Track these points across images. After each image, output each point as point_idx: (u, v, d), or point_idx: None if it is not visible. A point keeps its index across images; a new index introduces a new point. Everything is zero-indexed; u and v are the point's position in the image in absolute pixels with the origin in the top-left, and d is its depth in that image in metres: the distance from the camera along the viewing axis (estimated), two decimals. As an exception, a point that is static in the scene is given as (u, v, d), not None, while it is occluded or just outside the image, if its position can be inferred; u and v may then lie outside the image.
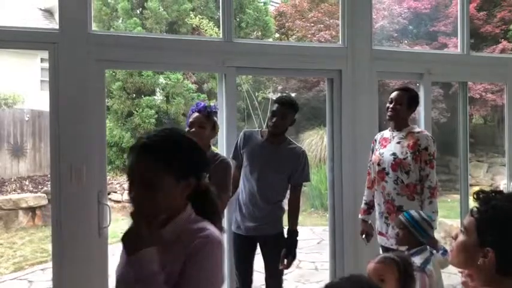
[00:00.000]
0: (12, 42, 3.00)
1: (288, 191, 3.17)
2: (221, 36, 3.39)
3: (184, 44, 3.43)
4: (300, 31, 10.93)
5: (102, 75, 3.11)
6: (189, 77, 10.06)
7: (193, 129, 2.76)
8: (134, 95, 9.81)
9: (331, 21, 10.37)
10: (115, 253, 1.74)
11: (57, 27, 2.99)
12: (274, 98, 3.37)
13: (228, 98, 3.36)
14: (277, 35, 11.11)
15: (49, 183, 7.61)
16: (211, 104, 2.91)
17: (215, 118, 2.87)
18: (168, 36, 5.37)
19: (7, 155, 9.08)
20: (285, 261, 3.06)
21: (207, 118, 2.80)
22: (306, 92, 10.89)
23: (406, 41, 11.31)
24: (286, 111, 3.07)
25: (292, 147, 3.15)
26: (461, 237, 1.36)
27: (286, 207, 3.17)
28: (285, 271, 3.27)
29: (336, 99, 3.67)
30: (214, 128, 2.85)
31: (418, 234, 2.52)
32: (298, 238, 3.11)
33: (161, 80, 9.72)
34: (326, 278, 4.18)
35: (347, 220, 3.62)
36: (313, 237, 7.42)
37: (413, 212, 2.63)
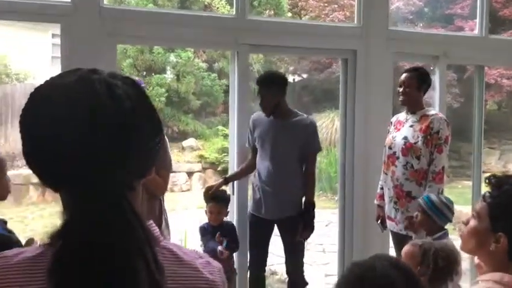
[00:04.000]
0: (24, 14, 2.95)
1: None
2: (234, 13, 3.34)
3: (196, 20, 3.37)
4: (313, 11, 10.76)
5: (114, 49, 3.07)
6: (200, 55, 10.00)
7: None
8: (145, 72, 9.78)
9: (345, 1, 10.19)
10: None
11: (69, 0, 2.96)
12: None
13: (240, 77, 3.30)
14: (289, 14, 10.94)
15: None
16: (137, 78, 2.80)
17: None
18: (181, 12, 5.30)
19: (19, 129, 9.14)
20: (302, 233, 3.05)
21: None
22: (317, 73, 10.77)
23: (421, 24, 11.09)
24: (264, 91, 3.04)
25: (299, 119, 3.12)
26: (472, 223, 1.34)
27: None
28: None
29: (350, 80, 3.60)
30: None
31: (437, 218, 2.49)
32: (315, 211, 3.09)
33: (172, 58, 9.68)
34: (334, 260, 4.19)
35: (357, 203, 3.59)
36: (321, 220, 7.42)
37: (433, 196, 2.61)
